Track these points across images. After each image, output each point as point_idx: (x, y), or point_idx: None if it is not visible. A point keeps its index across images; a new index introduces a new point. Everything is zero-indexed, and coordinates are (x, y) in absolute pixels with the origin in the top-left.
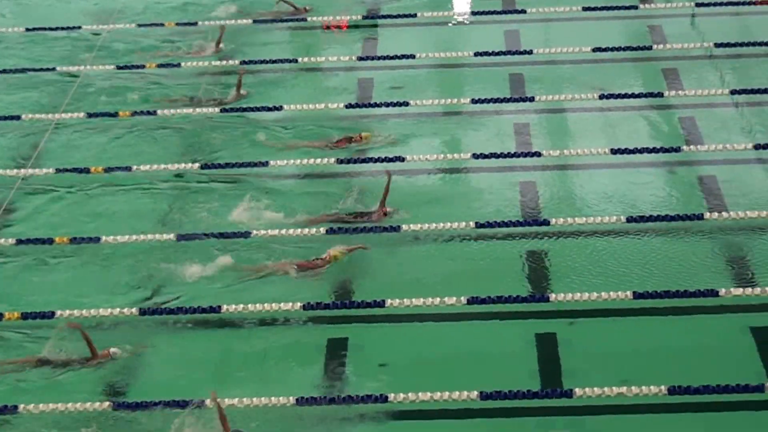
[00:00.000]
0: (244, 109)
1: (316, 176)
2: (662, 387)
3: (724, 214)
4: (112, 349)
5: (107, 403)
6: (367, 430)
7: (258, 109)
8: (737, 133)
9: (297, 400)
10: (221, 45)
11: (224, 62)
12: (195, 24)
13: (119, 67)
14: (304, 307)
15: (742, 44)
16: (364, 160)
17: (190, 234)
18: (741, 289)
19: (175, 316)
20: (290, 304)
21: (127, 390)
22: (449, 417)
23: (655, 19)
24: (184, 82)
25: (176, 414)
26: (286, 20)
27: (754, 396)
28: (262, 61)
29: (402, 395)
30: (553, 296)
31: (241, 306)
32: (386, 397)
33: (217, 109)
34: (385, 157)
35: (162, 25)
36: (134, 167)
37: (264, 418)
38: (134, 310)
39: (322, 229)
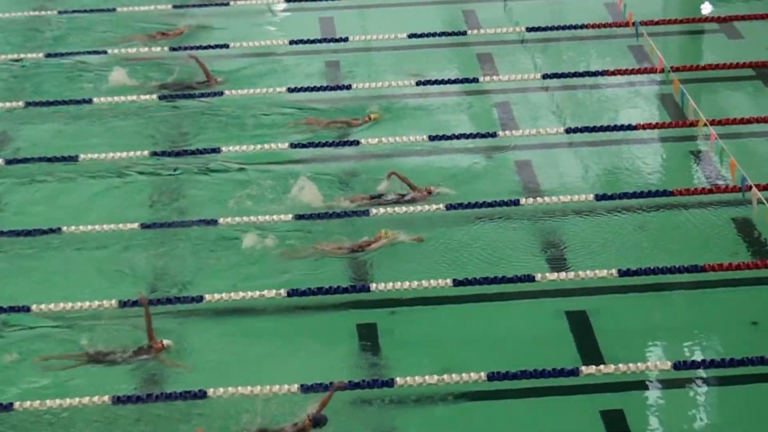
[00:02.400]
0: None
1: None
2: (482, 374)
3: (539, 199)
4: (165, 341)
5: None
6: None
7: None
8: (550, 117)
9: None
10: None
11: None
12: None
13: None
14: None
15: (553, 28)
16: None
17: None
18: (556, 274)
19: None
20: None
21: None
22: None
23: (470, 4)
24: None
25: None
26: None
27: (569, 380)
28: None
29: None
30: (373, 285)
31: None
32: None
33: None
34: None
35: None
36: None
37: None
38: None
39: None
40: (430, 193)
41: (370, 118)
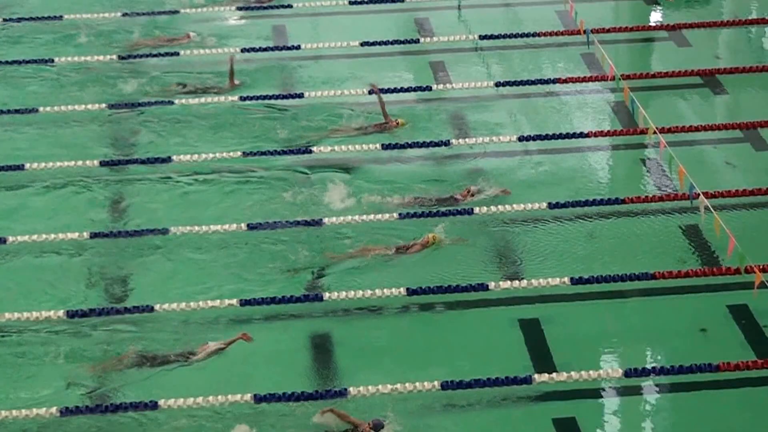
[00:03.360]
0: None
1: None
2: (435, 382)
3: (493, 208)
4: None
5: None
6: None
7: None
8: (503, 125)
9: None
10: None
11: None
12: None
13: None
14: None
15: (506, 36)
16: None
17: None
18: (509, 282)
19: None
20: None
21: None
22: None
23: (422, 12)
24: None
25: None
26: None
27: (522, 389)
28: None
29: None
30: (327, 295)
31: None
32: None
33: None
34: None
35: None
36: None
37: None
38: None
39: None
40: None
41: (398, 124)
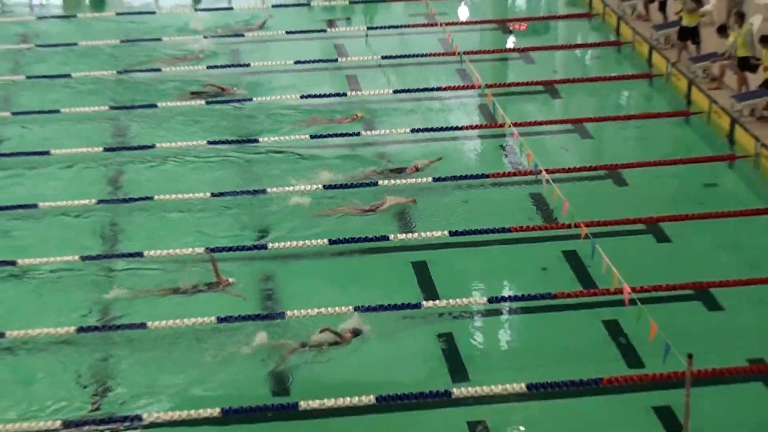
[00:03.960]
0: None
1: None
2: (350, 307)
3: (390, 182)
4: (231, 279)
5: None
6: None
7: None
8: (400, 121)
9: None
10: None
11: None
12: None
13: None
14: None
15: (402, 56)
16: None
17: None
18: (404, 235)
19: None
20: None
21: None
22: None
23: (340, 39)
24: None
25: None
26: None
27: (414, 311)
28: None
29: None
30: (270, 245)
31: None
32: None
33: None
34: None
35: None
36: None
37: None
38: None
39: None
40: (417, 169)
41: (356, 117)
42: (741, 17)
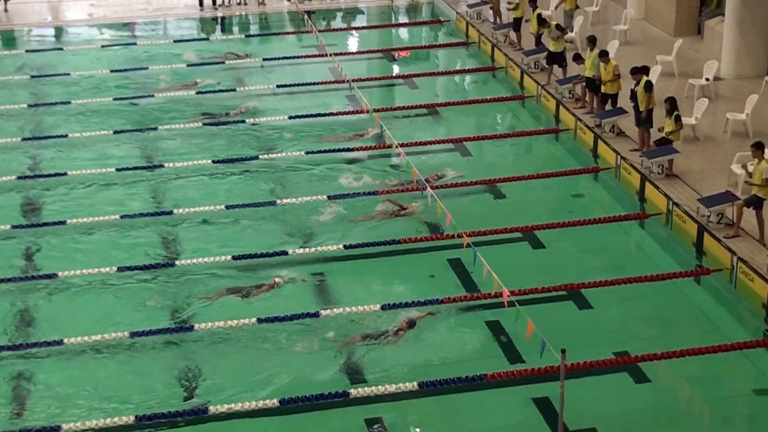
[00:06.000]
0: None
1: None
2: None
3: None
4: (277, 279)
5: None
6: None
7: None
8: (292, 140)
9: None
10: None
11: None
12: None
13: None
14: None
15: (296, 84)
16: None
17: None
18: (303, 249)
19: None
20: None
21: None
22: None
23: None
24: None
25: None
26: None
27: (311, 320)
28: None
29: None
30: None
31: None
32: None
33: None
34: None
35: None
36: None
37: None
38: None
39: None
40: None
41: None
42: (593, 42)
